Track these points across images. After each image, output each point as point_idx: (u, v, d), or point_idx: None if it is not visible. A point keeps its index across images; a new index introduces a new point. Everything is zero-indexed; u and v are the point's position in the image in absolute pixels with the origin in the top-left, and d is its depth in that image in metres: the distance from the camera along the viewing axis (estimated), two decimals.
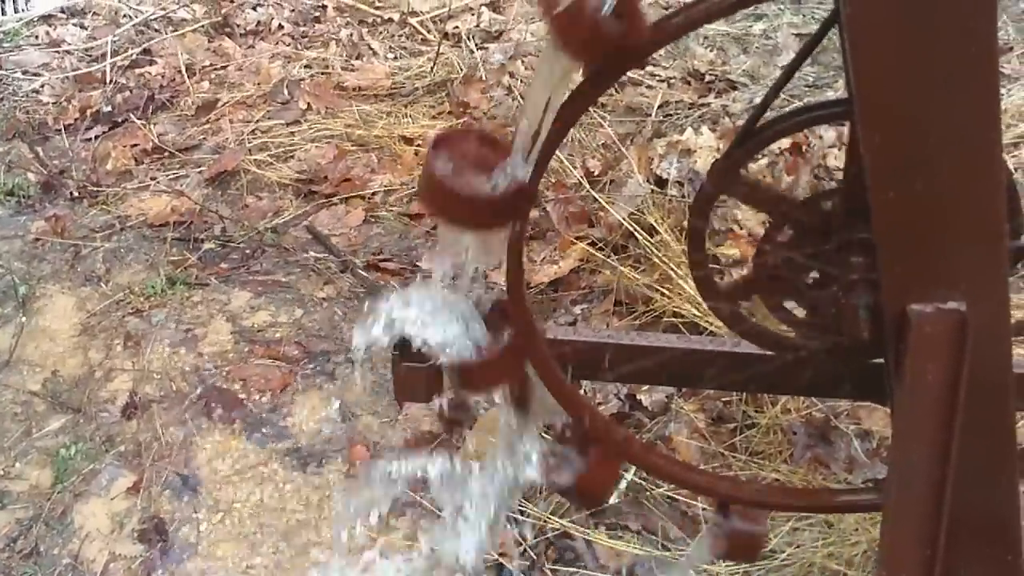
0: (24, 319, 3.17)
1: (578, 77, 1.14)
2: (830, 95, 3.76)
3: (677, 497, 2.35)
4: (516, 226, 1.23)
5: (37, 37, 5.04)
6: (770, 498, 1.58)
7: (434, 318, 1.34)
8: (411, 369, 2.14)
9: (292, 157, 3.93)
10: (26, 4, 5.30)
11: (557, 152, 3.27)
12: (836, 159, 3.36)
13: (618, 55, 1.09)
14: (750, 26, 4.50)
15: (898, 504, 1.34)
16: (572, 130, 3.54)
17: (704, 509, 2.31)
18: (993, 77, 1.11)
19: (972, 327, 1.26)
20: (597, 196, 3.25)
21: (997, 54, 1.09)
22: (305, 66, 4.58)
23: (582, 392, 2.62)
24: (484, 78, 4.27)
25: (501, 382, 1.50)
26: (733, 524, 1.48)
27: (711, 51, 4.36)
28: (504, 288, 1.28)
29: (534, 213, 3.33)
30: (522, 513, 2.35)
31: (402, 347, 2.20)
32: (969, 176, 1.18)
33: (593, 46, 1.04)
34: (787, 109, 1.43)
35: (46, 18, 5.20)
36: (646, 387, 2.63)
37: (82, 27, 5.08)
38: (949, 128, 1.14)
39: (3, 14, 5.23)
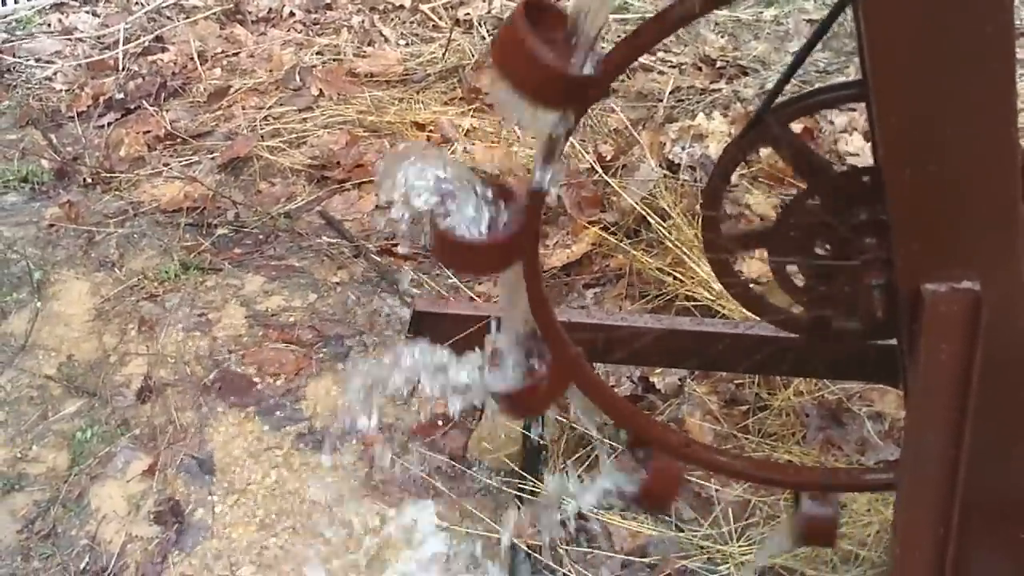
0: (39, 304, 3.19)
1: None
2: (840, 80, 3.76)
3: (690, 479, 2.36)
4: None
5: (49, 25, 5.06)
6: (787, 476, 1.60)
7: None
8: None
9: (304, 143, 3.94)
10: None
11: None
12: (847, 144, 3.36)
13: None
14: (761, 12, 4.50)
15: (912, 483, 1.35)
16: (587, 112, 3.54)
17: (717, 490, 2.33)
18: (1009, 59, 1.11)
19: (986, 306, 1.26)
20: (610, 180, 3.26)
21: (1013, 36, 1.10)
22: (317, 53, 4.59)
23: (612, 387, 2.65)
24: None
25: (548, 405, 1.51)
26: (807, 511, 1.51)
27: (722, 37, 4.36)
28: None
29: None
30: (534, 494, 2.37)
31: (416, 328, 2.21)
32: (984, 156, 1.18)
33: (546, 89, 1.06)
34: (799, 93, 1.44)
35: (58, 6, 5.22)
36: (659, 369, 2.64)
37: (94, 14, 5.10)
38: (964, 109, 1.15)
39: (16, 2, 5.24)
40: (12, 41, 4.90)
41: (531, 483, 2.37)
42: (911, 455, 1.35)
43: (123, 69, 4.51)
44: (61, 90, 4.45)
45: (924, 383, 1.30)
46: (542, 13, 1.18)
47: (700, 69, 4.14)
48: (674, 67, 4.16)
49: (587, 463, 2.42)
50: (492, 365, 1.50)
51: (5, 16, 5.14)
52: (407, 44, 4.67)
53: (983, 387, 1.27)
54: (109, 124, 4.15)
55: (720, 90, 3.91)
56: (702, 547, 2.24)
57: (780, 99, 1.41)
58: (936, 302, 1.27)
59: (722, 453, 1.66)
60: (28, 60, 4.74)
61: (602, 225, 3.17)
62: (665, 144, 3.43)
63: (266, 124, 4.06)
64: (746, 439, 2.45)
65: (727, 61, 4.14)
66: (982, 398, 1.27)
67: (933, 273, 1.27)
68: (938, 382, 1.29)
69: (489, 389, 1.50)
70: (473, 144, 3.74)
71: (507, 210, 1.33)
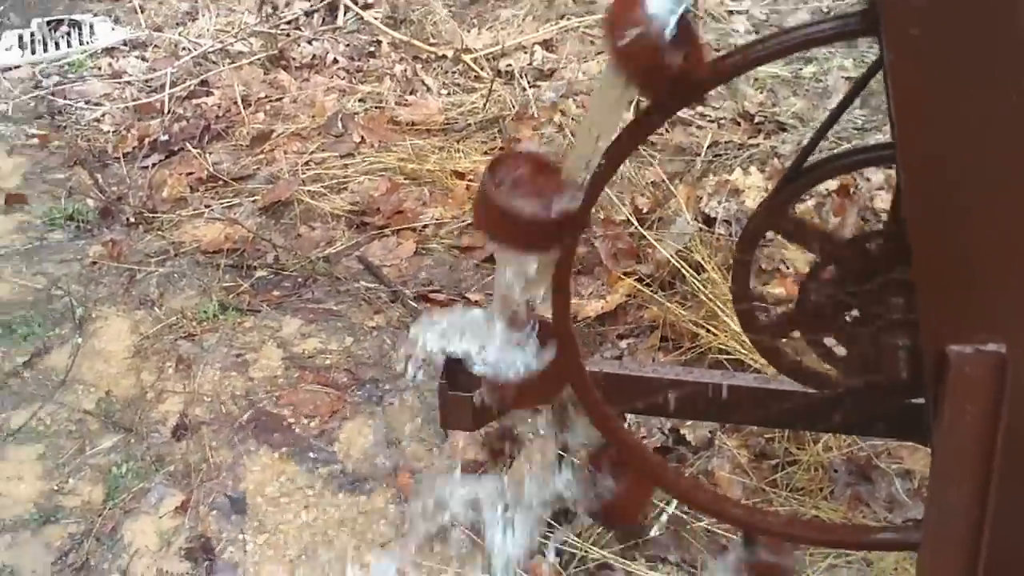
0: (80, 340, 3.25)
1: (629, 113, 1.17)
2: (879, 138, 3.78)
3: (717, 530, 2.37)
4: (564, 250, 1.27)
5: (100, 68, 5.18)
6: (806, 532, 1.60)
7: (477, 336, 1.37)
8: (457, 397, 2.17)
9: (345, 189, 3.99)
10: (91, 37, 5.44)
11: (607, 189, 3.29)
12: (883, 201, 3.37)
13: (677, 89, 1.12)
14: (800, 68, 4.53)
15: (935, 545, 1.35)
16: (623, 167, 3.56)
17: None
18: None
19: (1012, 369, 1.27)
20: (645, 233, 3.29)
21: None
22: (359, 100, 4.66)
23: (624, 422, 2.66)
24: (536, 115, 4.33)
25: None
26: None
27: (761, 93, 4.39)
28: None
29: (583, 248, 3.37)
30: (562, 543, 2.38)
31: (450, 375, 2.24)
32: (1010, 220, 1.20)
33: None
34: (834, 151, 1.46)
35: (109, 50, 5.34)
36: (690, 422, 2.65)
37: (143, 59, 5.20)
38: (990, 173, 1.16)
39: (68, 46, 5.37)
40: (64, 84, 5.02)
41: (559, 531, 2.38)
42: (935, 516, 1.35)
43: (168, 112, 4.60)
44: (108, 131, 4.54)
45: (948, 444, 1.31)
46: (512, 163, 1.22)
47: (739, 124, 4.17)
48: (713, 121, 4.20)
49: None
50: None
51: (59, 60, 5.26)
52: (449, 94, 4.74)
53: (1008, 449, 1.28)
54: (153, 165, 4.23)
55: (758, 145, 3.94)
56: None
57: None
58: (961, 364, 1.28)
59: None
60: (79, 102, 4.84)
61: (637, 277, 3.20)
62: (702, 198, 3.46)
63: (307, 169, 4.12)
64: (774, 493, 2.46)
65: (765, 117, 4.17)
66: (1007, 460, 1.28)
67: (958, 335, 1.28)
68: (962, 444, 1.30)
69: (587, 509, 1.52)
70: None
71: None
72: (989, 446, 1.29)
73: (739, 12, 5.21)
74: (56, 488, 2.75)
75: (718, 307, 2.91)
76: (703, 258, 3.11)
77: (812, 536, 1.62)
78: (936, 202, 1.20)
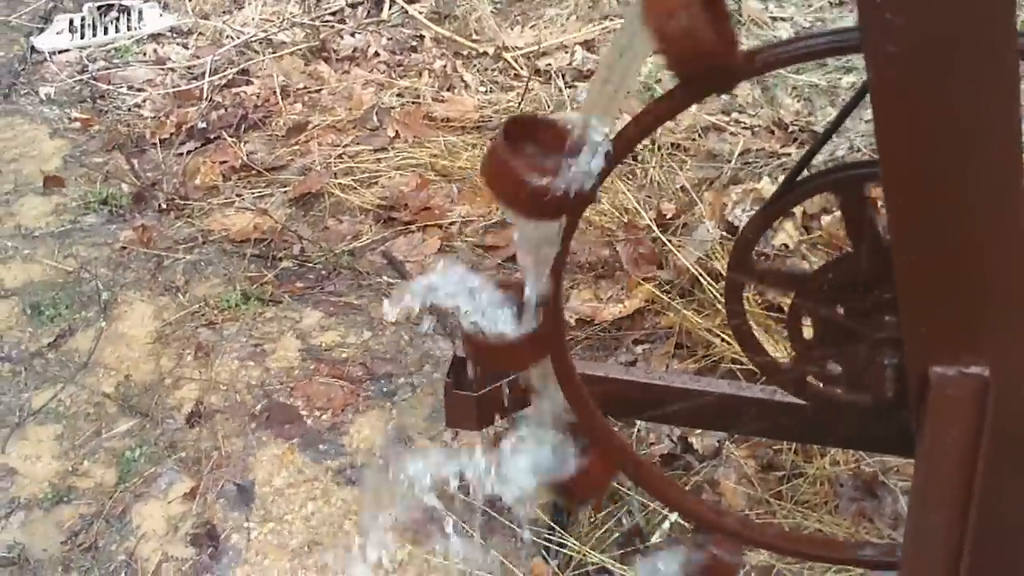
0: (104, 324, 3.29)
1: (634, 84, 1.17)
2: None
3: None
4: (569, 221, 1.27)
5: (145, 54, 5.23)
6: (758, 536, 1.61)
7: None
8: (462, 396, 2.19)
9: (376, 183, 4.01)
10: (139, 23, 5.50)
11: (633, 194, 3.27)
12: None
13: (710, 72, 1.11)
14: (839, 78, 4.48)
15: (913, 565, 1.35)
16: (652, 171, 3.53)
17: (743, 554, 2.31)
18: (1015, 142, 1.12)
19: (995, 392, 1.26)
20: (666, 240, 3.27)
21: (1019, 120, 1.11)
22: (397, 94, 4.67)
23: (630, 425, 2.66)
24: None
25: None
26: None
27: (798, 101, 4.35)
28: None
29: (605, 252, 3.36)
30: (561, 546, 2.38)
31: (455, 375, 2.25)
32: (993, 241, 1.19)
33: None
34: (824, 167, 1.45)
35: (155, 37, 5.39)
36: (699, 430, 2.64)
37: (186, 47, 5.25)
38: (972, 192, 1.16)
39: (116, 31, 5.43)
40: (109, 69, 5.07)
41: (558, 534, 2.38)
42: (914, 538, 1.34)
43: (207, 100, 4.64)
44: (148, 117, 4.59)
45: (928, 465, 1.30)
46: (528, 127, 1.22)
47: (772, 132, 4.13)
48: (747, 128, 4.17)
49: (616, 516, 2.44)
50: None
51: (106, 44, 5.32)
52: (487, 91, 4.73)
53: (990, 472, 1.27)
54: (188, 152, 4.26)
55: (789, 154, 3.91)
56: None
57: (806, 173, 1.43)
58: (943, 385, 1.27)
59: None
60: (121, 87, 4.89)
61: (657, 283, 3.18)
62: (727, 205, 3.43)
63: (340, 162, 4.14)
64: (779, 505, 2.45)
65: (799, 126, 4.14)
66: (989, 483, 1.27)
67: (941, 356, 1.27)
68: (943, 465, 1.29)
69: (543, 482, 1.53)
70: None
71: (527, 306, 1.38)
72: (970, 468, 1.28)
73: (783, 19, 5.16)
74: (71, 469, 2.80)
75: None
76: (723, 267, 3.09)
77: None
78: (919, 221, 1.19)
